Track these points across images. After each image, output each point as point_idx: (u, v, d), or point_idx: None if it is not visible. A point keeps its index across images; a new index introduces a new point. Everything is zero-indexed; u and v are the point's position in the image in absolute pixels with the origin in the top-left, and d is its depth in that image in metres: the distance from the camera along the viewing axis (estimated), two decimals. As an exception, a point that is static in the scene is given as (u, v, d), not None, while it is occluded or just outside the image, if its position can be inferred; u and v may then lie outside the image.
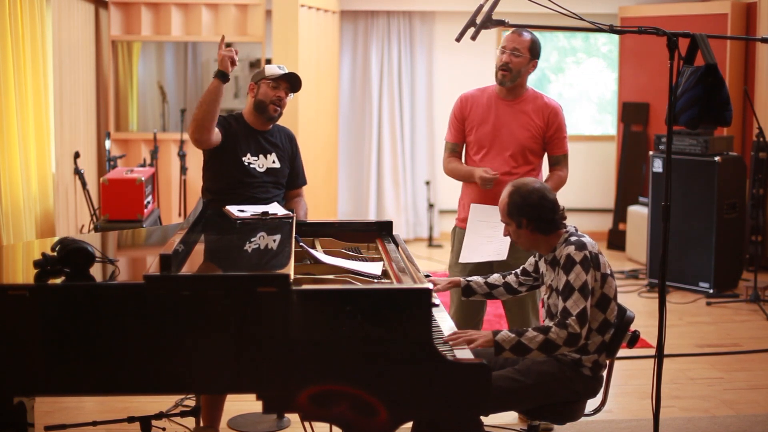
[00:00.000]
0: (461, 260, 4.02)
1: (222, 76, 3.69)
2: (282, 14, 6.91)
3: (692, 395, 4.58)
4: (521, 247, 3.28)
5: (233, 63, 3.70)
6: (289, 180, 4.05)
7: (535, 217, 3.13)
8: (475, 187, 4.04)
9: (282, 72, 3.89)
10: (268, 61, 7.32)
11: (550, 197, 3.16)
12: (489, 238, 3.91)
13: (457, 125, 4.14)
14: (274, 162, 3.95)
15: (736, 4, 7.40)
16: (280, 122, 4.09)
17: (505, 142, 4.02)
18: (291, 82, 3.92)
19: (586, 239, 3.14)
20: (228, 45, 3.80)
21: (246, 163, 3.88)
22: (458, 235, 4.17)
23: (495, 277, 3.50)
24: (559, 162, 4.11)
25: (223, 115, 3.94)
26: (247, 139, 3.91)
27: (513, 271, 3.48)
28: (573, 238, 3.13)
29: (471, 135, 4.10)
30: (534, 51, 3.99)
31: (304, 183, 4.14)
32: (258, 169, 3.90)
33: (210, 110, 3.71)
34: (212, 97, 3.70)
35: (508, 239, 3.80)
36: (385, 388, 2.70)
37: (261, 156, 3.92)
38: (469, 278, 3.51)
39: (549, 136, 4.06)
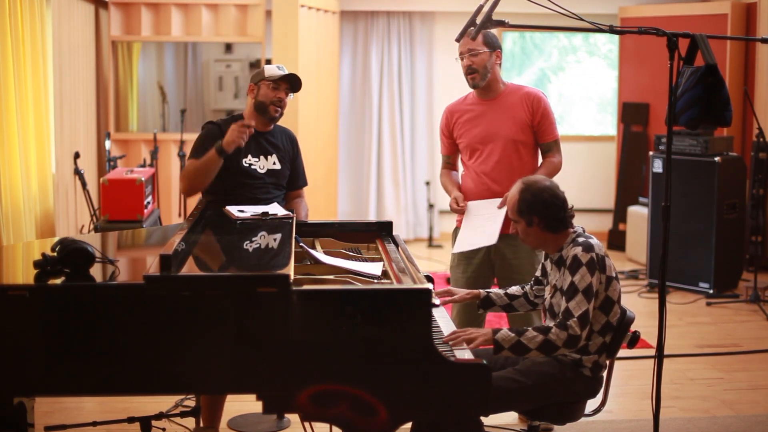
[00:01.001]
0: (454, 251, 4.03)
1: (222, 153, 3.74)
2: (282, 14, 6.91)
3: (692, 395, 4.58)
4: (529, 245, 3.26)
5: (241, 139, 3.75)
6: (289, 181, 4.04)
7: (546, 215, 3.12)
8: (475, 190, 4.05)
9: (282, 73, 3.88)
10: (268, 62, 7.32)
11: (561, 195, 3.15)
12: (480, 228, 3.93)
13: (446, 137, 4.18)
14: (274, 163, 3.95)
15: (736, 4, 7.40)
16: (281, 122, 4.09)
17: (495, 140, 4.02)
18: (291, 83, 3.91)
19: (594, 241, 3.13)
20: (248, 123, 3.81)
21: (247, 165, 3.88)
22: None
23: (515, 289, 3.46)
24: (550, 149, 4.09)
25: (218, 123, 3.92)
26: (247, 141, 3.90)
27: (529, 283, 3.44)
28: (581, 239, 3.12)
29: (462, 142, 4.10)
30: (490, 43, 3.99)
31: (305, 184, 4.14)
32: (259, 170, 3.90)
33: (205, 179, 3.80)
34: (209, 168, 3.77)
35: (498, 224, 3.81)
36: (385, 388, 2.70)
37: (262, 157, 3.92)
38: (489, 290, 3.47)
39: (536, 123, 4.04)
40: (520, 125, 4.03)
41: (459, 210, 3.99)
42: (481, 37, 3.95)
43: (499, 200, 3.90)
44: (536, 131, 4.06)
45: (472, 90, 4.11)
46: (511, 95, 4.07)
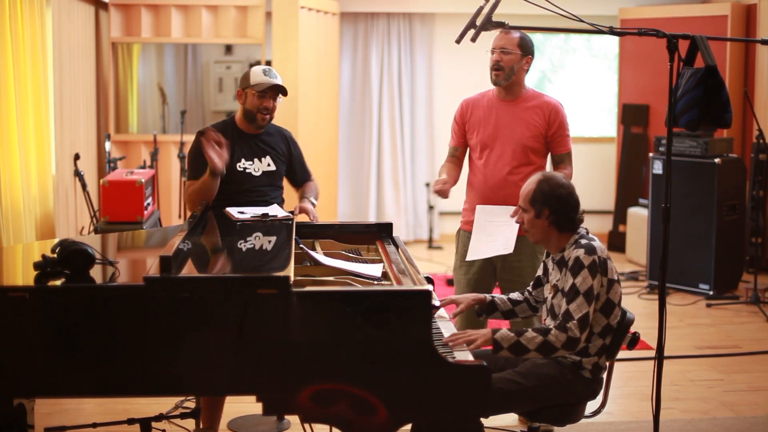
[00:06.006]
0: (468, 258, 4.00)
1: (215, 174, 3.74)
2: (282, 16, 6.91)
3: (692, 397, 4.58)
4: (531, 238, 3.24)
5: (221, 158, 3.71)
6: (293, 179, 4.08)
7: (557, 211, 3.11)
8: (479, 191, 4.04)
9: (267, 83, 3.84)
10: (269, 63, 7.32)
11: (576, 197, 3.15)
12: (494, 236, 3.90)
13: (457, 130, 4.15)
14: (269, 165, 3.94)
15: (735, 5, 7.40)
16: (280, 123, 4.08)
17: (506, 142, 4.00)
18: (277, 88, 3.89)
19: (596, 243, 3.12)
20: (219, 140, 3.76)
21: (241, 169, 3.87)
22: (462, 238, 4.14)
23: (516, 294, 3.44)
24: (563, 160, 4.07)
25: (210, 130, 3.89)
26: (240, 145, 3.89)
27: (527, 289, 3.44)
28: (583, 241, 3.12)
29: (473, 138, 4.09)
30: (525, 47, 3.96)
31: (309, 179, 4.13)
32: (254, 173, 3.90)
33: (206, 198, 3.80)
34: (207, 188, 3.78)
35: (513, 233, 3.78)
36: (385, 389, 2.70)
37: (256, 160, 3.91)
38: (493, 295, 3.44)
39: (551, 134, 4.03)
40: (533, 132, 4.00)
41: (440, 190, 3.91)
42: (517, 39, 3.95)
43: (512, 208, 3.85)
44: (550, 142, 4.04)
45: (493, 87, 4.07)
46: (530, 101, 4.04)
